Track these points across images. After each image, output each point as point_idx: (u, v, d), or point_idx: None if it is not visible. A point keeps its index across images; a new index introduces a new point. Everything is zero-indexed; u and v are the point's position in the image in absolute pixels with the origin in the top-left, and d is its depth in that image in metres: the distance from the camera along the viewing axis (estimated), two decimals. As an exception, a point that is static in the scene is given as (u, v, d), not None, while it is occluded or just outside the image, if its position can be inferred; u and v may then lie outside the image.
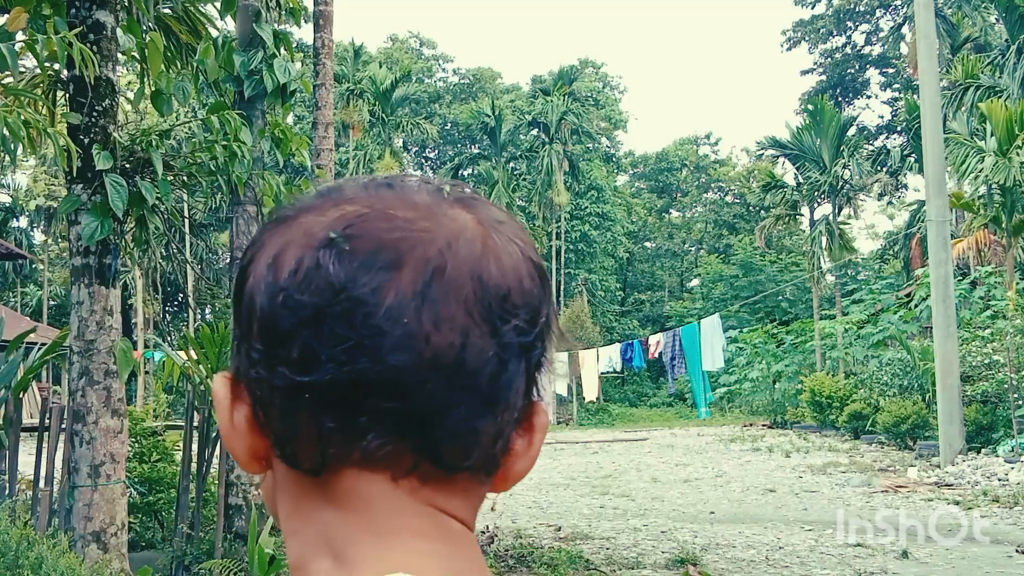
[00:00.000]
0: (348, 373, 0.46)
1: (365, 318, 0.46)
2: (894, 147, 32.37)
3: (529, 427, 0.53)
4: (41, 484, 4.34)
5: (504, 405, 0.49)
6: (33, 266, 34.88)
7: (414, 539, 0.49)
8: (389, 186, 0.52)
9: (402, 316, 0.46)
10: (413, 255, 0.48)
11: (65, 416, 4.19)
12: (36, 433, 4.81)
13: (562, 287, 39.50)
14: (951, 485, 10.40)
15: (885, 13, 42.43)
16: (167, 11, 4.88)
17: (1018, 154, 15.46)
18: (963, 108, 20.72)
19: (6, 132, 3.16)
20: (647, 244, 52.13)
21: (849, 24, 43.19)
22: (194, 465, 4.93)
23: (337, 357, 0.46)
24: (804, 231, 31.53)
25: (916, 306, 20.66)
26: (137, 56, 4.21)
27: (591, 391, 28.75)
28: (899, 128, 38.06)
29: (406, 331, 0.47)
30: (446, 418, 0.48)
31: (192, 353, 5.21)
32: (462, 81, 51.68)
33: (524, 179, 38.89)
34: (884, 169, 30.66)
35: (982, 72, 21.63)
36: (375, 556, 0.48)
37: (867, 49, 43.64)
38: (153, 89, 4.11)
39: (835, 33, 43.50)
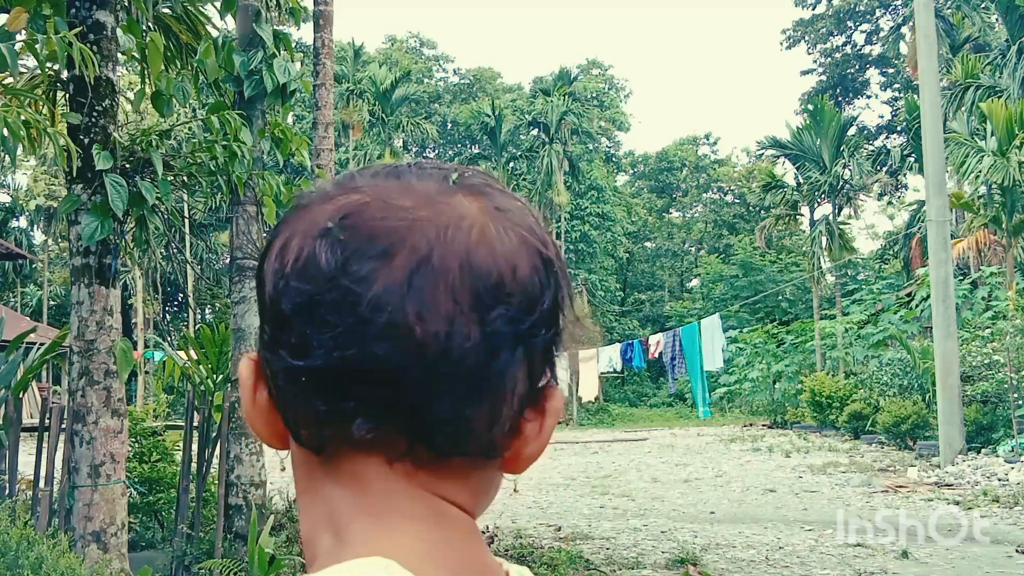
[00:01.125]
0: (337, 360, 0.48)
1: (352, 307, 0.48)
2: (894, 147, 32.36)
3: (541, 411, 0.53)
4: (41, 484, 4.34)
5: (497, 391, 0.50)
6: (33, 266, 34.87)
7: (404, 521, 0.50)
8: (397, 174, 0.53)
9: (387, 305, 0.47)
10: (404, 244, 0.49)
11: (65, 416, 4.19)
12: (36, 433, 4.81)
13: (562, 287, 39.41)
14: (951, 485, 10.40)
15: (885, 13, 42.42)
16: (167, 11, 4.88)
17: (1017, 154, 15.46)
18: (963, 108, 20.72)
19: (6, 132, 3.16)
20: (647, 244, 52.13)
21: (849, 24, 43.18)
22: (194, 465, 4.93)
23: (326, 343, 0.48)
24: (804, 231, 31.51)
25: (916, 306, 20.66)
26: (137, 56, 4.21)
27: (591, 391, 28.77)
28: (899, 128, 38.05)
29: (390, 319, 0.47)
30: (433, 405, 0.48)
31: (192, 353, 5.21)
32: (462, 81, 51.68)
33: (524, 179, 38.88)
34: (884, 169, 30.69)
35: (982, 72, 21.63)
36: (366, 537, 0.49)
37: (867, 49, 43.63)
38: (153, 89, 4.11)
39: (835, 33, 43.50)
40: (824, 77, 43.90)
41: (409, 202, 0.51)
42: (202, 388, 5.05)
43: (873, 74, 44.59)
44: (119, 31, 4.02)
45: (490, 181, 0.55)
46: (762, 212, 40.19)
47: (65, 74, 3.91)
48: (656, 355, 25.01)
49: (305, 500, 0.53)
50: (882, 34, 42.53)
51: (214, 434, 4.96)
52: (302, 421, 0.51)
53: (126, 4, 4.22)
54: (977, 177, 16.31)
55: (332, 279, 0.48)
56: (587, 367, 26.44)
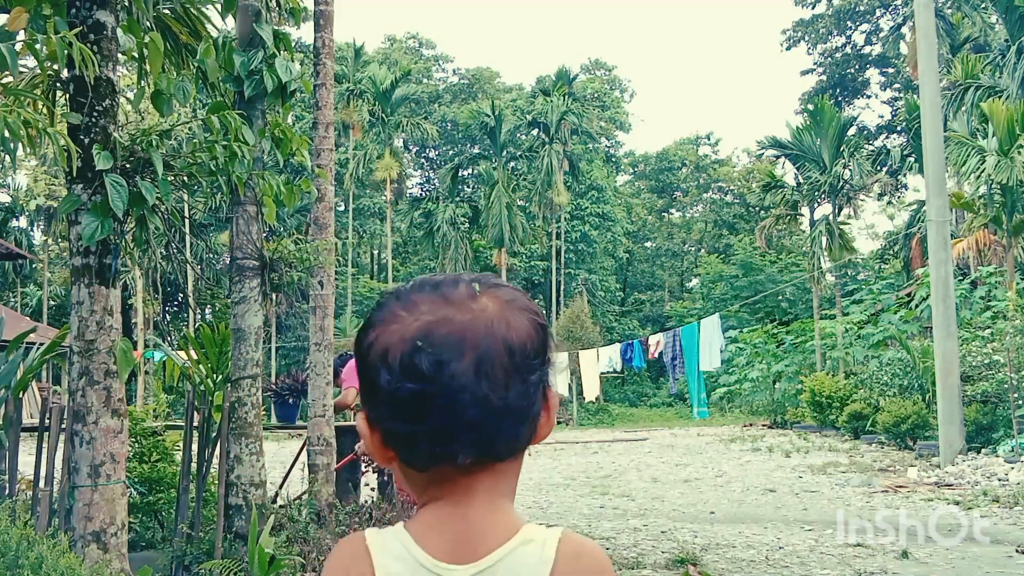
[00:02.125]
0: (443, 422, 0.81)
1: (449, 392, 0.80)
2: (894, 147, 32.37)
3: (547, 408, 0.87)
4: (41, 484, 4.34)
5: (532, 415, 0.85)
6: (33, 266, 34.86)
7: (441, 504, 0.86)
8: (439, 290, 0.85)
9: (469, 386, 0.80)
10: (467, 345, 0.81)
11: (65, 416, 4.19)
12: (36, 433, 4.81)
13: (562, 287, 39.49)
14: (951, 485, 10.40)
15: (885, 13, 42.42)
16: (167, 11, 4.88)
17: (1019, 154, 15.45)
18: (963, 108, 20.72)
19: (6, 132, 3.16)
20: (647, 244, 52.13)
21: (849, 24, 43.16)
22: (194, 465, 4.93)
23: (436, 414, 0.81)
24: (804, 231, 31.49)
25: (916, 306, 20.65)
26: (137, 56, 4.20)
27: (591, 391, 28.74)
28: (899, 128, 38.05)
29: (472, 395, 0.80)
30: (502, 436, 0.83)
31: (192, 353, 5.21)
32: (461, 81, 51.64)
33: (524, 179, 38.88)
34: (884, 169, 30.67)
35: (982, 72, 21.62)
36: (418, 514, 0.88)
37: (867, 49, 43.62)
38: (153, 89, 4.11)
39: (835, 33, 43.48)
40: (824, 77, 43.89)
41: (456, 314, 0.83)
42: (202, 388, 5.05)
43: (873, 74, 44.60)
44: (119, 31, 4.02)
45: (497, 281, 0.88)
46: (762, 212, 40.21)
47: (65, 74, 3.91)
48: (656, 355, 25.02)
49: (411, 490, 0.89)
50: (882, 34, 42.52)
51: (214, 434, 4.96)
52: (418, 456, 0.84)
53: (126, 4, 4.22)
54: (979, 177, 16.29)
55: (432, 378, 0.80)
56: (588, 367, 26.44)
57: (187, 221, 23.94)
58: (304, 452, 6.24)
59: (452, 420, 0.80)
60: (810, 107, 29.65)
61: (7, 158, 3.79)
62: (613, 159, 50.34)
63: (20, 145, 3.33)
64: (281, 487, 6.68)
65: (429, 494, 0.87)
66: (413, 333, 0.81)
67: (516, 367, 0.82)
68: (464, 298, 0.84)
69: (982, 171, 15.87)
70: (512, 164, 37.77)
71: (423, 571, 0.84)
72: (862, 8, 42.49)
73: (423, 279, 0.87)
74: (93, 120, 3.82)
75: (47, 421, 4.47)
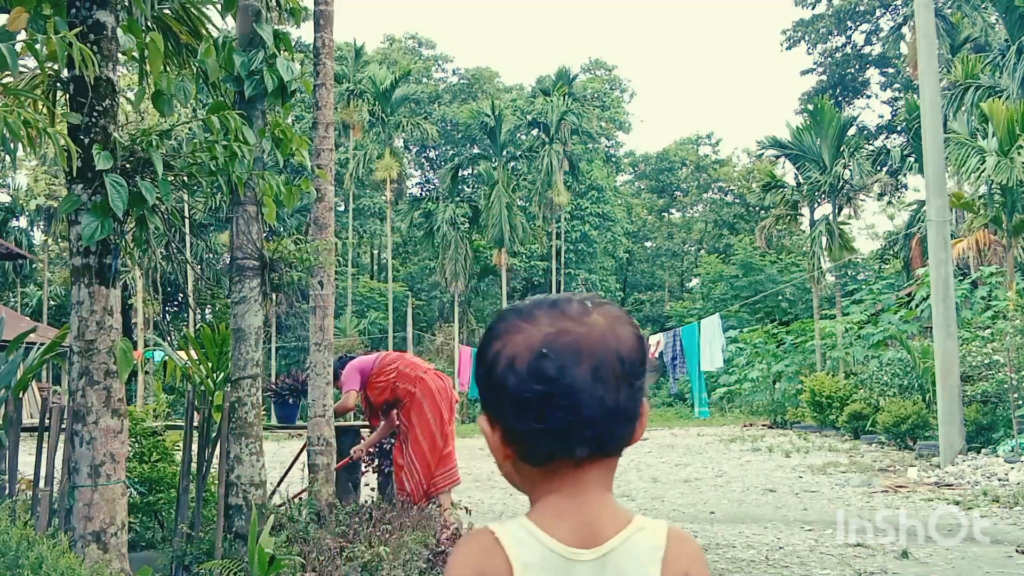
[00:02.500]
0: (565, 420, 0.93)
1: (570, 393, 0.92)
2: (894, 147, 32.36)
3: (643, 412, 0.99)
4: (41, 484, 4.34)
5: (637, 416, 0.97)
6: (33, 266, 34.87)
7: (554, 496, 0.97)
8: (556, 307, 0.98)
9: (587, 389, 0.93)
10: (585, 354, 0.94)
11: (65, 416, 4.19)
12: (36, 433, 4.80)
13: (562, 287, 39.47)
14: (951, 485, 10.39)
15: (885, 13, 42.40)
16: (167, 11, 4.87)
17: (1019, 154, 15.44)
18: (963, 108, 20.70)
19: (6, 132, 3.16)
20: (647, 244, 52.13)
21: (849, 24, 43.15)
22: (194, 465, 4.93)
23: (558, 413, 0.92)
24: (804, 231, 31.48)
25: (916, 306, 20.64)
26: (137, 56, 4.20)
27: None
28: (899, 128, 38.04)
29: (591, 397, 0.93)
30: (614, 434, 0.96)
31: (192, 353, 5.21)
32: (461, 81, 51.61)
33: (524, 179, 38.87)
34: (884, 169, 30.66)
35: (982, 72, 21.61)
36: (535, 508, 0.99)
37: (867, 49, 43.61)
38: (154, 89, 4.10)
39: (835, 33, 43.47)
40: (824, 77, 43.88)
41: (574, 327, 0.95)
42: (202, 388, 5.05)
43: (873, 74, 44.59)
44: (119, 31, 4.02)
45: (604, 300, 1.01)
46: (762, 212, 40.19)
47: (65, 74, 3.91)
48: (656, 355, 24.99)
49: (527, 488, 1.00)
50: (882, 34, 42.51)
51: (214, 434, 4.95)
52: (537, 452, 0.96)
53: (126, 4, 4.21)
54: (979, 177, 16.26)
55: (556, 381, 0.92)
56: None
57: (187, 221, 23.94)
58: (304, 452, 6.24)
59: (572, 418, 0.93)
60: (810, 107, 29.63)
61: (7, 158, 3.79)
62: (613, 159, 50.34)
63: (20, 145, 3.33)
64: (279, 485, 6.67)
65: (542, 488, 0.98)
66: (538, 342, 0.94)
67: (625, 373, 0.95)
68: (579, 313, 0.97)
69: (982, 171, 15.84)
70: (512, 164, 37.75)
71: (554, 556, 0.95)
72: (862, 8, 42.48)
73: (539, 298, 1.00)
74: (93, 120, 3.82)
75: (47, 421, 4.47)
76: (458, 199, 38.23)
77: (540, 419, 0.92)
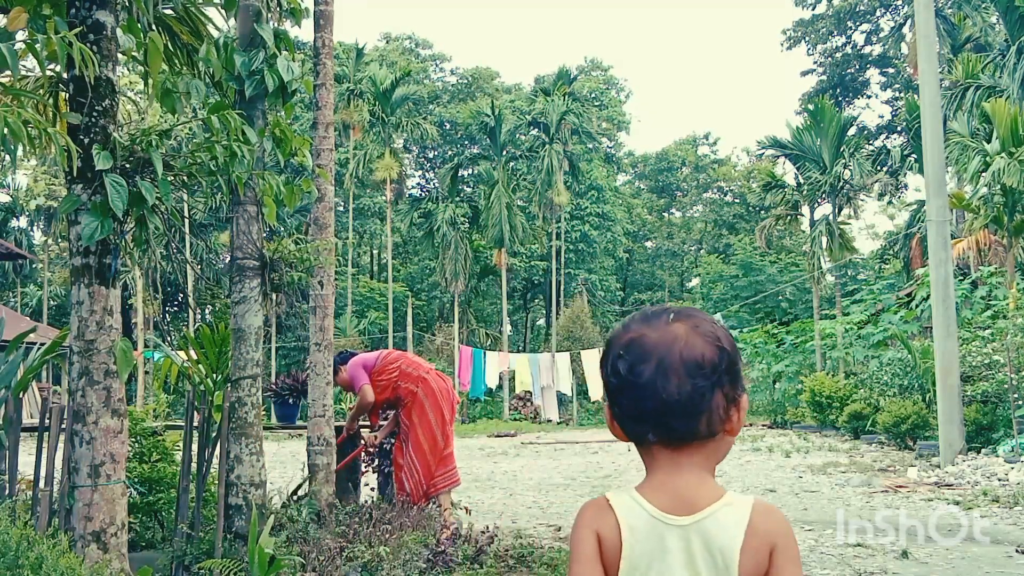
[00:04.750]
0: (635, 409, 1.18)
1: (636, 387, 1.17)
2: (894, 147, 32.34)
3: (737, 408, 1.19)
4: (41, 484, 4.34)
5: (705, 411, 1.16)
6: (33, 266, 34.87)
7: (657, 471, 1.21)
8: (647, 317, 1.22)
9: (653, 383, 1.16)
10: (653, 356, 1.16)
11: (65, 416, 4.19)
12: (36, 433, 4.80)
13: (562, 287, 39.50)
14: (951, 485, 10.39)
15: (885, 13, 42.39)
16: (168, 11, 4.87)
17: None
18: (963, 108, 20.69)
19: (6, 132, 3.16)
20: (647, 244, 52.13)
21: (849, 24, 43.13)
22: (194, 465, 4.93)
23: (629, 402, 1.18)
24: (804, 231, 31.47)
25: (916, 306, 20.64)
26: (137, 56, 4.20)
27: (593, 391, 28.75)
28: (899, 128, 38.04)
29: (655, 391, 1.15)
30: (675, 423, 1.16)
31: (192, 353, 5.20)
32: (460, 81, 51.57)
33: (524, 179, 38.84)
34: (884, 169, 30.63)
35: (982, 72, 21.60)
36: (644, 480, 1.22)
37: (867, 49, 43.59)
38: (162, 88, 4.10)
39: (835, 33, 43.45)
40: (824, 77, 43.86)
41: (651, 333, 1.19)
42: (202, 388, 5.05)
43: (873, 74, 44.57)
44: (119, 31, 4.01)
45: (694, 312, 1.21)
46: (762, 212, 40.17)
47: (65, 74, 3.91)
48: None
49: (642, 458, 1.24)
50: (882, 34, 42.50)
51: (214, 434, 4.95)
52: (626, 431, 1.22)
53: (126, 4, 4.21)
54: (985, 179, 16.19)
55: (628, 374, 1.18)
56: (589, 367, 26.44)
57: (187, 221, 23.93)
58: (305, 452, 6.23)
59: (639, 408, 1.17)
60: (810, 107, 29.63)
61: (7, 158, 3.79)
62: (613, 159, 50.33)
63: (20, 145, 3.33)
64: (299, 489, 6.66)
65: (649, 465, 1.22)
66: (621, 345, 1.20)
67: (688, 373, 1.15)
68: (661, 323, 1.20)
69: (991, 171, 15.70)
70: (512, 164, 37.71)
71: (654, 521, 1.17)
72: (862, 8, 42.46)
73: (645, 308, 1.25)
74: (93, 120, 3.82)
75: (47, 421, 4.47)
76: (458, 199, 38.22)
77: (620, 407, 1.19)
